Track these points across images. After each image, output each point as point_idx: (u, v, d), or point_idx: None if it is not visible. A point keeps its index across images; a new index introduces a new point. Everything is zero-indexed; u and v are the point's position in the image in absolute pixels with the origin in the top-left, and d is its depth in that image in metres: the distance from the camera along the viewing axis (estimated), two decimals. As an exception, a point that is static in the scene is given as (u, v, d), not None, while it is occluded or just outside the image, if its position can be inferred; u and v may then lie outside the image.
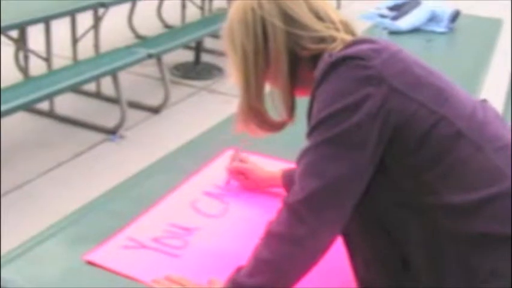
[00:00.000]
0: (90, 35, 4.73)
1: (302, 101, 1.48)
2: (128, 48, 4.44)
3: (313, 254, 1.23)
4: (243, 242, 1.61)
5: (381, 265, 1.30)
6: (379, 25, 3.62)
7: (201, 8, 6.24)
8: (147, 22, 6.36)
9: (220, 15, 5.57)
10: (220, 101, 4.97)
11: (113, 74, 4.08)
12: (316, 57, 1.33)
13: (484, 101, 1.35)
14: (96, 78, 4.13)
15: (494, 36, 3.88)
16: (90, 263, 1.49)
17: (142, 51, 4.30)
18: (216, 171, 1.94)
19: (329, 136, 1.21)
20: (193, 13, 6.27)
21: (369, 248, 1.31)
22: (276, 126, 1.49)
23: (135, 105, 4.59)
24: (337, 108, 1.21)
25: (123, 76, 4.39)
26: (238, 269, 1.30)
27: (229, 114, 2.55)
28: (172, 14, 6.43)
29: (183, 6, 6.13)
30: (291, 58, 1.36)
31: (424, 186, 1.21)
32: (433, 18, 3.73)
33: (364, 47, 1.27)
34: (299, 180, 1.24)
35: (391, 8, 3.79)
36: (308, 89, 1.37)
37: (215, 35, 5.57)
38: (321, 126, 1.22)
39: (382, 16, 3.68)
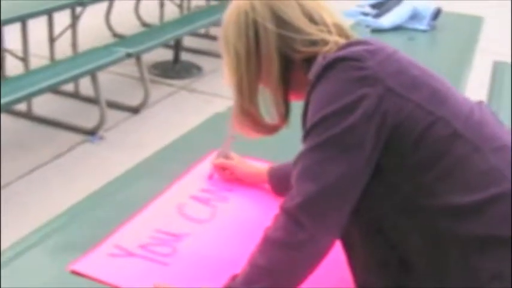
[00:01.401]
0: (67, 34, 4.65)
1: (293, 105, 1.45)
2: (107, 47, 4.36)
3: (313, 259, 1.20)
4: (233, 247, 1.58)
5: (380, 268, 1.27)
6: (361, 23, 3.59)
7: (180, 6, 6.18)
8: (125, 20, 6.29)
9: (199, 13, 5.57)
10: (201, 100, 4.93)
11: (92, 74, 4.01)
12: (309, 61, 1.31)
13: (481, 102, 1.33)
14: (75, 79, 4.06)
15: (475, 33, 3.90)
16: (75, 272, 1.44)
17: (121, 51, 4.23)
18: (202, 174, 1.91)
19: (325, 138, 1.19)
20: (171, 11, 6.21)
21: (368, 252, 1.29)
22: (269, 129, 1.47)
23: (114, 105, 4.52)
24: (332, 110, 1.19)
25: (100, 75, 4.32)
26: (233, 277, 1.27)
27: (209, 113, 2.52)
28: (150, 12, 6.36)
29: (161, 5, 6.06)
30: (282, 61, 1.34)
31: (422, 189, 1.19)
32: (414, 16, 3.74)
33: (358, 48, 1.24)
34: (296, 185, 1.21)
35: (373, 6, 3.78)
36: (303, 93, 1.35)
37: (194, 34, 5.54)
38: (316, 128, 1.20)
39: (365, 14, 3.65)
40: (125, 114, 4.55)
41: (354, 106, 1.17)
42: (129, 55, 4.24)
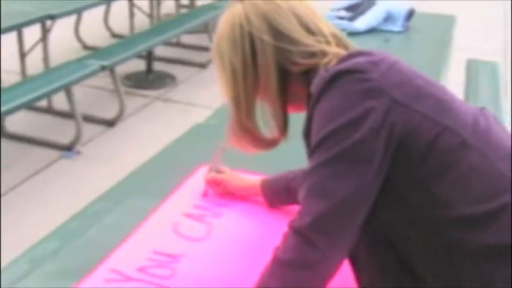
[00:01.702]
0: (37, 48, 4.57)
1: (292, 118, 1.43)
2: (80, 60, 4.29)
3: (325, 278, 1.17)
4: (232, 265, 1.54)
5: (389, 282, 1.25)
6: (337, 27, 3.57)
7: (150, 16, 6.12)
8: (94, 32, 6.22)
9: (170, 22, 5.51)
10: (176, 110, 4.89)
11: (66, 88, 3.94)
12: (307, 73, 1.29)
13: (483, 108, 1.31)
14: (50, 94, 3.97)
15: (449, 32, 3.93)
16: (73, 301, 1.40)
17: (95, 64, 4.16)
18: (193, 190, 1.87)
19: (332, 154, 1.16)
20: (141, 20, 6.14)
21: (376, 265, 1.26)
22: (268, 144, 1.43)
23: (88, 119, 4.44)
24: (338, 124, 1.16)
25: (73, 89, 4.24)
26: None
27: (187, 123, 2.48)
28: (119, 22, 6.29)
29: (131, 14, 5.99)
30: (280, 74, 1.31)
31: (431, 200, 1.17)
32: (388, 18, 3.75)
33: (361, 59, 1.22)
34: (304, 203, 1.18)
35: (348, 9, 3.77)
36: (300, 105, 1.33)
37: (166, 43, 5.49)
38: (323, 144, 1.17)
39: (340, 18, 3.65)
40: (100, 127, 4.48)
41: (360, 120, 1.15)
42: (103, 68, 4.18)
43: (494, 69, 4.33)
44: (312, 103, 1.23)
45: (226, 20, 1.36)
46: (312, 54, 1.29)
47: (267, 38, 1.30)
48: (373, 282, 1.28)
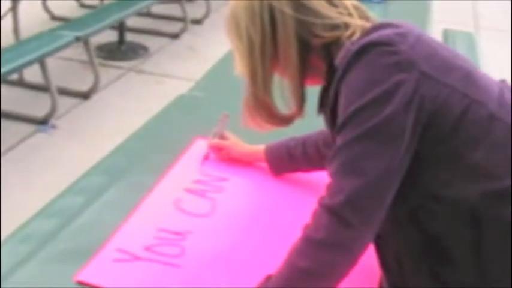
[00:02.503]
0: (5, 19, 4.42)
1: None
2: (53, 31, 4.16)
3: (355, 257, 1.14)
4: (241, 241, 1.52)
5: (416, 263, 1.22)
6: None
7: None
8: (61, 2, 6.04)
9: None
10: (151, 82, 4.80)
11: (41, 61, 3.82)
12: (329, 46, 1.24)
13: (503, 80, 1.29)
14: (24, 67, 3.84)
15: (427, 2, 3.93)
16: (81, 283, 1.34)
17: (69, 35, 4.04)
18: (192, 164, 1.83)
19: (363, 130, 1.12)
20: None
21: (402, 246, 1.23)
22: (284, 120, 1.39)
23: (62, 91, 4.29)
24: (368, 99, 1.12)
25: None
26: (268, 278, 1.21)
27: (162, 94, 2.40)
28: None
29: (101, -17, 5.85)
30: (301, 47, 1.26)
31: (460, 175, 1.14)
32: (368, -12, 3.71)
33: (388, 31, 1.18)
34: (335, 180, 1.14)
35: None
36: (317, 79, 1.29)
37: (136, 13, 5.37)
38: (353, 120, 1.13)
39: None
40: (74, 100, 4.37)
41: (391, 94, 1.11)
42: (78, 39, 4.06)
43: (471, 39, 4.34)
44: (337, 77, 1.19)
45: None
46: (334, 27, 1.25)
47: (287, 9, 1.24)
48: (399, 262, 1.25)
